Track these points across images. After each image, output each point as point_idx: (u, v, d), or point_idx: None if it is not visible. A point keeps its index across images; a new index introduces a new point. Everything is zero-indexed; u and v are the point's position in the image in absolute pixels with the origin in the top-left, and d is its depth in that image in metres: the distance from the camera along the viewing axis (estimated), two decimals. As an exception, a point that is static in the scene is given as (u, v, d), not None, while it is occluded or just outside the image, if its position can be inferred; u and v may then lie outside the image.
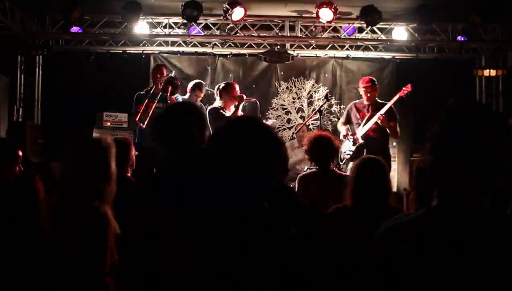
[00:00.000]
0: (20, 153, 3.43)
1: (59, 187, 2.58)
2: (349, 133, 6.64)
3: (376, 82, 6.61)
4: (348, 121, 6.79)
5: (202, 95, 6.98)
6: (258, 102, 6.79)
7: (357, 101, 6.86)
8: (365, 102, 6.57)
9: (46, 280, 2.46)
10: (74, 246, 2.42)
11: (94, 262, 2.43)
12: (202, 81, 7.23)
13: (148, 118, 5.85)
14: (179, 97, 6.08)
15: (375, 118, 6.33)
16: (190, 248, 1.54)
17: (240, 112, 6.21)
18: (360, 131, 6.47)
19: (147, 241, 2.22)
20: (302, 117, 9.00)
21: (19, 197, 2.67)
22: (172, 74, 6.01)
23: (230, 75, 9.10)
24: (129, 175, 4.28)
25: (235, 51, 8.95)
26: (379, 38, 8.52)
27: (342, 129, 6.75)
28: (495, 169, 1.41)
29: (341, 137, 6.69)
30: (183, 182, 2.23)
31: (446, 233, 1.37)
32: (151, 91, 5.95)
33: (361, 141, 6.45)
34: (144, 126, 5.85)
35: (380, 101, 6.64)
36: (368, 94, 6.48)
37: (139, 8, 7.57)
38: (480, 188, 1.40)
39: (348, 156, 6.57)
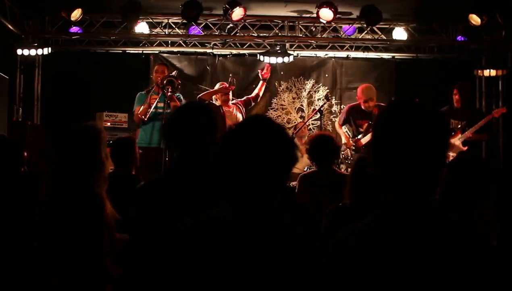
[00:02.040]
0: (25, 153, 3.45)
1: (51, 175, 2.58)
2: (351, 141, 6.63)
3: (372, 90, 6.54)
4: (345, 122, 6.80)
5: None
6: (234, 80, 7.01)
7: (354, 104, 6.84)
8: (363, 108, 6.55)
9: (45, 271, 2.46)
10: (70, 233, 2.41)
11: (92, 247, 2.43)
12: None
13: (149, 113, 5.84)
14: (181, 97, 6.07)
15: None
16: (197, 247, 1.54)
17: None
18: (363, 140, 6.45)
19: (153, 241, 2.22)
20: (302, 117, 9.00)
21: (23, 195, 2.68)
22: (173, 74, 5.99)
23: (230, 75, 9.08)
24: (133, 173, 4.29)
25: (235, 51, 8.94)
26: (379, 38, 8.51)
27: (342, 134, 6.74)
28: (435, 166, 1.41)
29: (342, 143, 6.69)
30: (194, 182, 2.22)
31: (400, 238, 1.36)
32: (152, 91, 5.93)
33: (363, 149, 6.46)
34: (146, 118, 5.83)
35: (379, 104, 6.62)
36: (367, 105, 6.44)
37: (139, 8, 7.56)
38: (423, 187, 1.40)
39: (349, 163, 6.56)
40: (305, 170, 6.53)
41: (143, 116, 5.78)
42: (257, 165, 1.51)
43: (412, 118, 1.42)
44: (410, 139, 1.39)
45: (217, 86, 6.85)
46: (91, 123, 2.69)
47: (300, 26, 8.42)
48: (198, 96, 6.54)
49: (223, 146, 1.59)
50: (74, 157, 2.52)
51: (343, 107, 8.77)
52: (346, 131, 7.07)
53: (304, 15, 8.34)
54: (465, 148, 6.52)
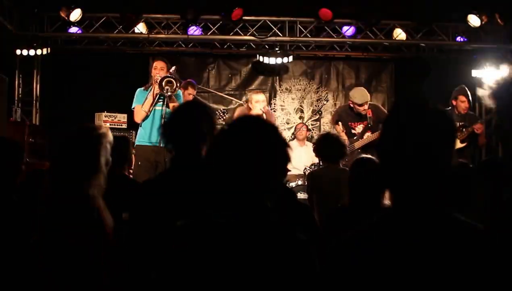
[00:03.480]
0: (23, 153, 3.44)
1: (50, 174, 2.55)
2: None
3: (365, 93, 6.44)
4: (337, 123, 6.76)
5: (194, 92, 6.93)
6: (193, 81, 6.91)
7: (344, 107, 6.75)
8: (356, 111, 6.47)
9: (41, 273, 2.45)
10: (65, 236, 2.39)
11: (86, 252, 2.40)
12: (192, 80, 7.20)
13: (146, 116, 5.79)
14: (180, 94, 5.97)
15: (373, 136, 6.19)
16: (193, 248, 1.52)
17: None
18: (359, 143, 6.42)
19: (148, 243, 2.21)
20: (301, 118, 8.98)
21: (27, 196, 2.67)
22: (172, 70, 5.91)
23: (229, 75, 9.10)
24: (126, 173, 4.26)
25: (234, 51, 8.93)
26: (378, 38, 8.50)
27: (339, 130, 6.70)
28: (442, 165, 1.41)
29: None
30: (190, 182, 2.21)
31: (407, 239, 1.36)
32: (151, 88, 5.88)
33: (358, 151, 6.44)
34: (149, 112, 5.75)
35: (374, 105, 6.58)
36: (362, 108, 6.35)
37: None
38: (429, 187, 1.40)
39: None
40: (305, 170, 6.53)
41: (147, 111, 5.68)
42: (247, 164, 1.50)
43: (419, 119, 1.42)
44: (418, 139, 1.39)
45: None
46: (94, 125, 2.66)
47: (299, 26, 8.40)
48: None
49: (214, 146, 1.58)
50: (71, 159, 2.48)
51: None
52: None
53: (303, 16, 8.33)
54: (464, 145, 6.52)
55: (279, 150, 1.56)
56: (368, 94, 6.40)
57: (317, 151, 4.64)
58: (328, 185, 4.30)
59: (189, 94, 6.73)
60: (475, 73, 8.67)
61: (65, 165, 2.47)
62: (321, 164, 4.95)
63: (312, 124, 8.77)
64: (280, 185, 1.66)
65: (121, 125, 8.22)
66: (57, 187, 2.47)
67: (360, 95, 6.31)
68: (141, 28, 8.18)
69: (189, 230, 1.56)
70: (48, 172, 2.60)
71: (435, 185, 1.40)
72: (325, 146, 4.51)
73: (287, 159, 1.57)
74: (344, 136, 6.52)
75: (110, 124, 7.87)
